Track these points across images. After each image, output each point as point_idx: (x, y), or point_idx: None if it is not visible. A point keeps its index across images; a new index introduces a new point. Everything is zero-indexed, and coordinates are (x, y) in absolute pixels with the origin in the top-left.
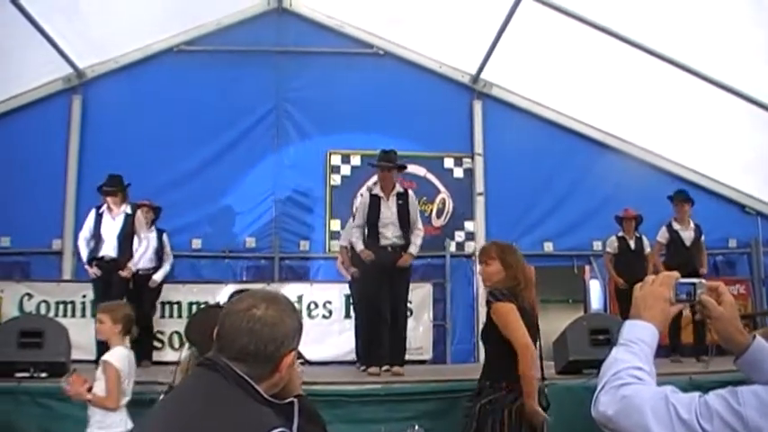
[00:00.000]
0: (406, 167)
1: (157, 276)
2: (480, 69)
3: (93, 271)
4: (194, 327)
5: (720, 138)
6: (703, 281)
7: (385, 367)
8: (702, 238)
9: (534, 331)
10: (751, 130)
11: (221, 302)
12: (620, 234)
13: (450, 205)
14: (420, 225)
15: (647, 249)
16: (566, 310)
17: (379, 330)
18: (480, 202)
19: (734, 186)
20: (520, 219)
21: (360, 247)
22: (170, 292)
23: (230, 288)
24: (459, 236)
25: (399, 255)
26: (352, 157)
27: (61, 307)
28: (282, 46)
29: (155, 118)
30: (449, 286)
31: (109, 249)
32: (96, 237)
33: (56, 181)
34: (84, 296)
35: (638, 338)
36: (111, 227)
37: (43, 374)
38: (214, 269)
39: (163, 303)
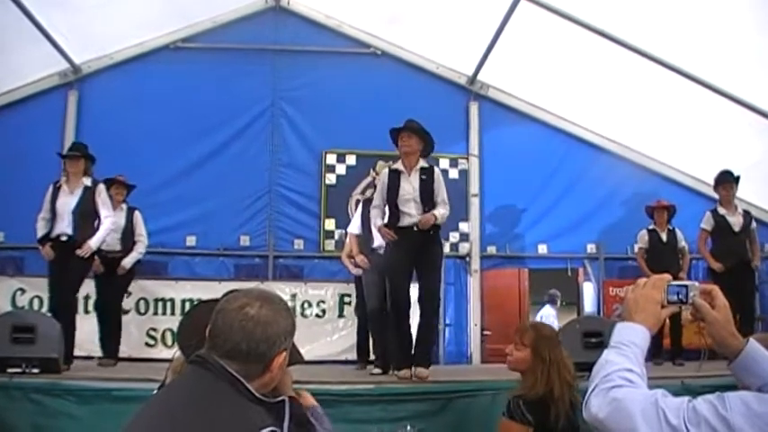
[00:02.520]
0: (432, 142)
1: (126, 261)
2: (477, 71)
3: (47, 251)
4: (183, 334)
5: (717, 143)
6: (696, 283)
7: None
8: (754, 225)
9: None
10: (748, 135)
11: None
12: (651, 227)
13: None
14: (446, 201)
15: (682, 243)
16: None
17: (402, 325)
18: (475, 204)
19: None
20: (514, 220)
21: (379, 222)
22: (164, 289)
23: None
24: (454, 237)
25: (424, 237)
26: (347, 157)
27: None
28: (279, 44)
29: (151, 115)
30: (443, 287)
31: (64, 227)
32: (52, 213)
33: (50, 176)
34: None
35: (630, 341)
36: (67, 201)
37: (35, 370)
38: (208, 267)
39: (156, 300)
